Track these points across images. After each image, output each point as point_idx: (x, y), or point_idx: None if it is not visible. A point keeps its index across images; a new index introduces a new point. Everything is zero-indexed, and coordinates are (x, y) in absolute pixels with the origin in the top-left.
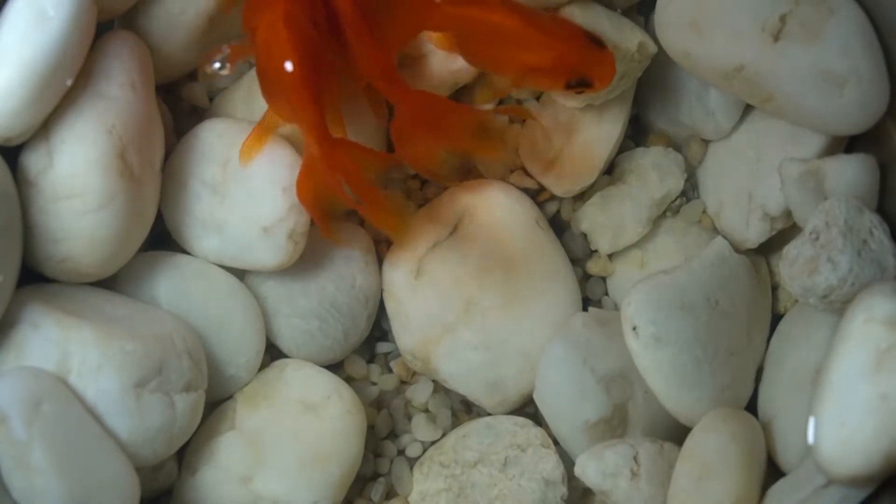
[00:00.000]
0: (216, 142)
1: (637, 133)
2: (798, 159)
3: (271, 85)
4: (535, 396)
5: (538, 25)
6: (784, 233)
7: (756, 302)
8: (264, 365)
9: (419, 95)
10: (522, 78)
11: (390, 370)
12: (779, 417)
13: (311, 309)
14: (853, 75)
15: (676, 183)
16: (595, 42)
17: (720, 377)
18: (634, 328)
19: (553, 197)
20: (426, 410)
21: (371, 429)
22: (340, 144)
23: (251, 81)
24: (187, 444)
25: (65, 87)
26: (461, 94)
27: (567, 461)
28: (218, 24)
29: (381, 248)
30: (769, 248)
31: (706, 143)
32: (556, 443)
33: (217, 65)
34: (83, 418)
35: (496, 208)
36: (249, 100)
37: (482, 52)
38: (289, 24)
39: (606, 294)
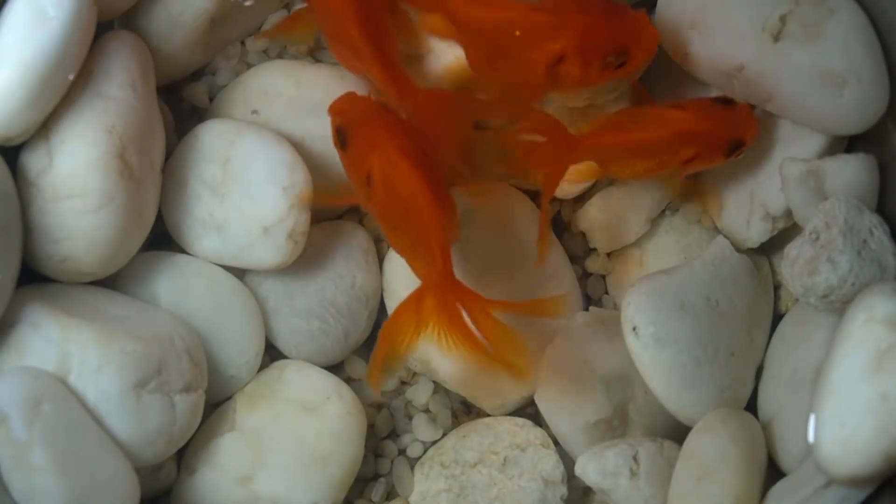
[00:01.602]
0: (216, 142)
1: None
2: (799, 159)
3: (397, 220)
4: (535, 397)
5: (544, 8)
6: (786, 232)
7: (756, 302)
8: (264, 365)
9: (428, 93)
10: (549, 78)
11: None
12: (779, 417)
13: (311, 309)
14: (853, 75)
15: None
16: (620, 7)
17: (720, 377)
18: (634, 328)
19: (553, 198)
20: (427, 410)
21: (371, 429)
22: (460, 286)
23: (251, 81)
24: (187, 444)
25: (65, 88)
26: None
27: (567, 461)
28: (218, 23)
29: (381, 247)
30: (771, 247)
31: None
32: (556, 443)
33: None
34: (83, 418)
35: (497, 209)
36: (248, 100)
37: (495, 60)
38: (408, 158)
39: (606, 293)
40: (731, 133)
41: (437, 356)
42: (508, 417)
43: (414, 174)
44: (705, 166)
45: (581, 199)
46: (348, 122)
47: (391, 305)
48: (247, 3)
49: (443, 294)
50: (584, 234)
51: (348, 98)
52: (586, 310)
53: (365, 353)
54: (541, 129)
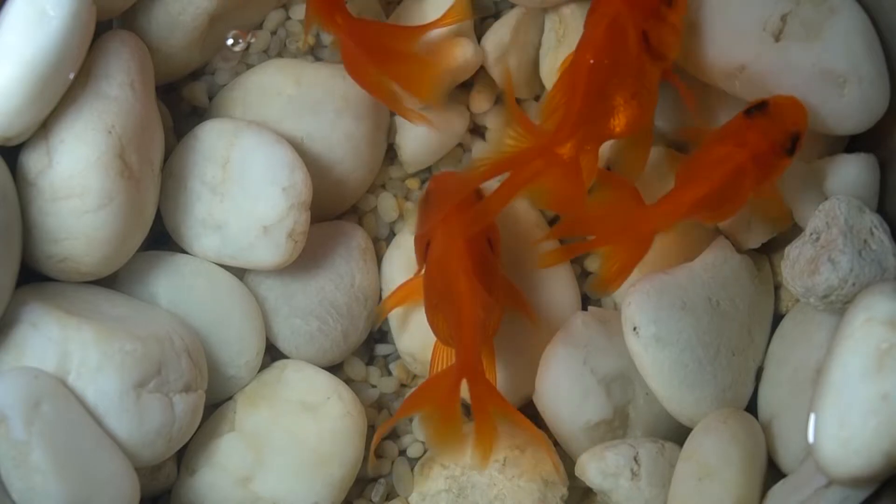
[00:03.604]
0: (216, 142)
1: None
2: (799, 159)
3: (437, 299)
4: (535, 397)
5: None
6: (787, 232)
7: (757, 302)
8: (264, 366)
9: (362, 24)
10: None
11: (390, 373)
12: (779, 417)
13: (311, 309)
14: (854, 75)
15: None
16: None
17: (721, 377)
18: (635, 328)
19: None
20: None
21: (371, 429)
22: (487, 383)
23: (250, 81)
24: (187, 444)
25: (64, 87)
26: (460, 91)
27: (567, 461)
28: (218, 23)
29: (380, 246)
30: (772, 247)
31: None
32: (556, 443)
33: (230, 41)
34: (83, 418)
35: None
36: (248, 100)
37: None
38: (467, 244)
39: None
40: (781, 135)
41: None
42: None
43: (465, 264)
44: (779, 174)
45: None
46: (434, 190)
47: None
48: (236, 49)
49: (472, 384)
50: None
51: (448, 175)
52: (585, 310)
53: (364, 354)
54: (617, 202)
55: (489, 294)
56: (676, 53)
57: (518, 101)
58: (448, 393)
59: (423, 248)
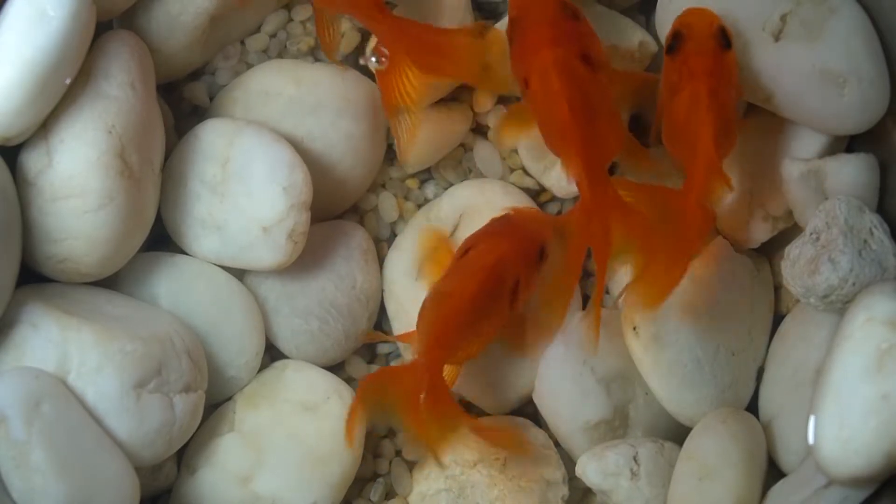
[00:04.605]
0: (216, 142)
1: (638, 133)
2: (799, 159)
3: (549, 133)
4: (534, 397)
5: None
6: (786, 232)
7: (757, 302)
8: (264, 366)
9: (400, 21)
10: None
11: None
12: (779, 417)
13: (311, 309)
14: (854, 75)
15: (676, 182)
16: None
17: (721, 377)
18: (635, 328)
19: (554, 197)
20: None
21: (371, 429)
22: (615, 202)
23: (251, 80)
24: (187, 444)
25: (64, 87)
26: (462, 91)
27: (567, 461)
28: (218, 23)
29: (381, 247)
30: (772, 247)
31: None
32: (556, 443)
33: (373, 59)
34: (83, 419)
35: (496, 208)
36: (248, 100)
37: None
38: (560, 72)
39: (607, 292)
40: (710, 39)
41: None
42: (508, 417)
43: (562, 95)
44: (735, 73)
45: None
46: (520, 15)
47: (391, 307)
48: (378, 67)
49: (594, 210)
50: None
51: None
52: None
53: (365, 353)
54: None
55: (594, 113)
56: None
57: (515, 99)
58: (412, 387)
59: (524, 81)
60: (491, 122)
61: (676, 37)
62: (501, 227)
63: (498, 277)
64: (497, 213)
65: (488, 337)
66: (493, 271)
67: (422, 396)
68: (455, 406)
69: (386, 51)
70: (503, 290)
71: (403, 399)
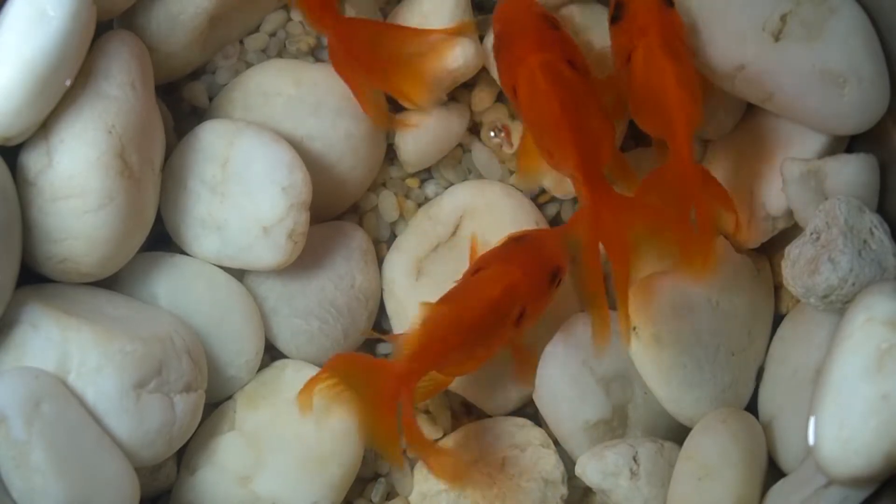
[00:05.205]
0: (216, 142)
1: (638, 133)
2: (799, 159)
3: (541, 137)
4: (534, 397)
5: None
6: (786, 232)
7: (757, 302)
8: (264, 365)
9: (353, 23)
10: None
11: None
12: (779, 417)
13: (311, 309)
14: (854, 75)
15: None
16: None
17: (720, 377)
18: (634, 328)
19: (553, 199)
20: (427, 411)
21: None
22: (615, 195)
23: (251, 80)
24: (187, 444)
25: (64, 87)
26: (461, 91)
27: (567, 461)
28: (217, 22)
29: (381, 247)
30: (772, 247)
31: (707, 142)
32: (556, 443)
33: (492, 134)
34: (83, 418)
35: (496, 209)
36: (248, 100)
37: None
38: (546, 73)
39: (607, 292)
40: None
41: None
42: (508, 417)
43: (551, 98)
44: (681, 25)
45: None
46: (504, 29)
47: (390, 306)
48: (496, 140)
49: (596, 212)
50: None
51: (510, 4)
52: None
53: (365, 353)
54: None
55: (584, 116)
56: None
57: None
58: (380, 385)
59: (511, 90)
60: (486, 119)
61: (619, 6)
62: (515, 254)
63: (501, 309)
64: (515, 231)
65: (483, 358)
66: (497, 303)
67: (398, 405)
68: (412, 421)
69: (500, 124)
70: (505, 321)
71: (367, 392)
